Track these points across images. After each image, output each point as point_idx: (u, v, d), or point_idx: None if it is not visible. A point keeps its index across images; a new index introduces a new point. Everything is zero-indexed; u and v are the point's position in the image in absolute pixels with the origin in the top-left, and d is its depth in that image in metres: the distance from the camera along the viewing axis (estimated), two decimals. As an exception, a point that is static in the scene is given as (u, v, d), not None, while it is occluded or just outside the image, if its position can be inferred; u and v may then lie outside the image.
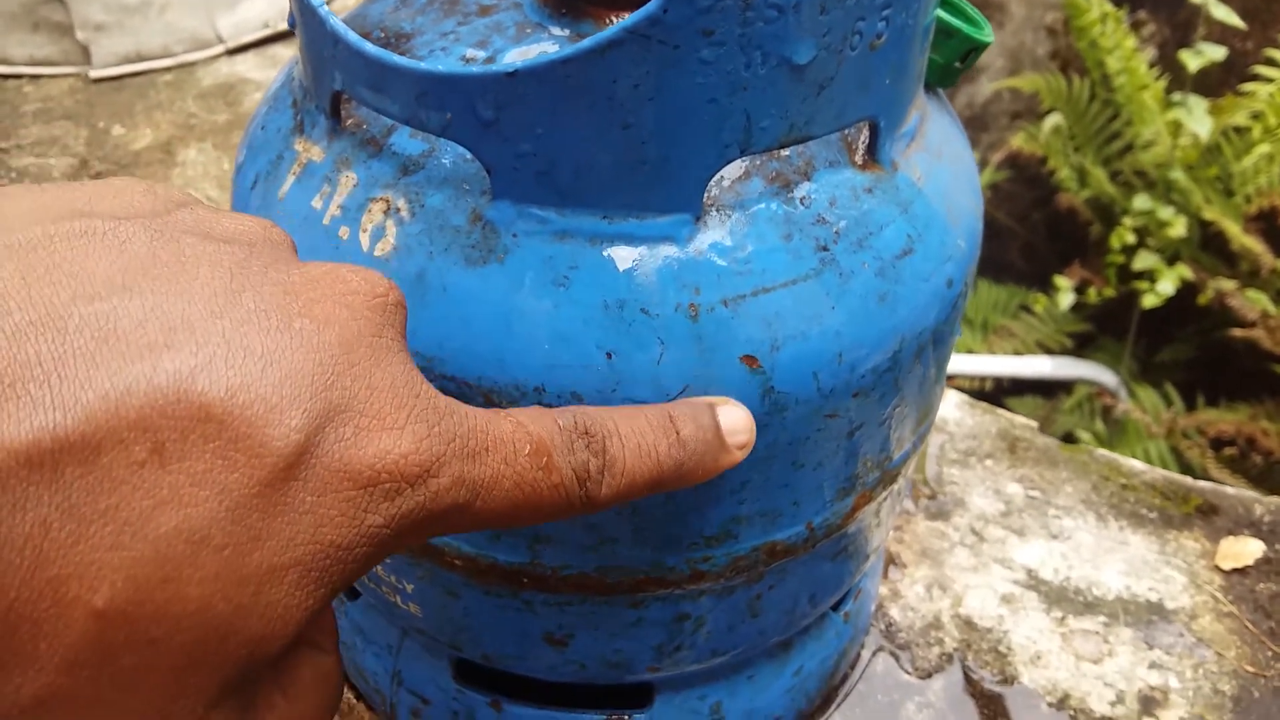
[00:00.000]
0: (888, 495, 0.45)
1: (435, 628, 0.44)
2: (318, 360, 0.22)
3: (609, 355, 0.33)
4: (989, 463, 0.70)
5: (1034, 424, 0.72)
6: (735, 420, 0.33)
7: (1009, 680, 0.57)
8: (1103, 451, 0.71)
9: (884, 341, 0.36)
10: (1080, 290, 2.03)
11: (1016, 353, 2.04)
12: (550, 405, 0.34)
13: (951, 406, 0.74)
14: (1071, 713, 0.56)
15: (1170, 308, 1.95)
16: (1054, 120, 2.12)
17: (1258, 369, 1.91)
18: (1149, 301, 1.89)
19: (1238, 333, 1.89)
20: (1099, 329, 2.09)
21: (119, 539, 0.19)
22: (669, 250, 0.34)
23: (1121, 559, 0.64)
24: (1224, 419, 1.84)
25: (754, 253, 0.34)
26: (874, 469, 0.41)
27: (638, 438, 0.29)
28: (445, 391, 0.34)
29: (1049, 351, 2.06)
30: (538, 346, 0.33)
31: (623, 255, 0.33)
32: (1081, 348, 2.10)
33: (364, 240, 0.35)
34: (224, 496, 0.20)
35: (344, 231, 0.35)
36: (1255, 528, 0.66)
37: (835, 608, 0.52)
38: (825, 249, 0.35)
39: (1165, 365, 2.06)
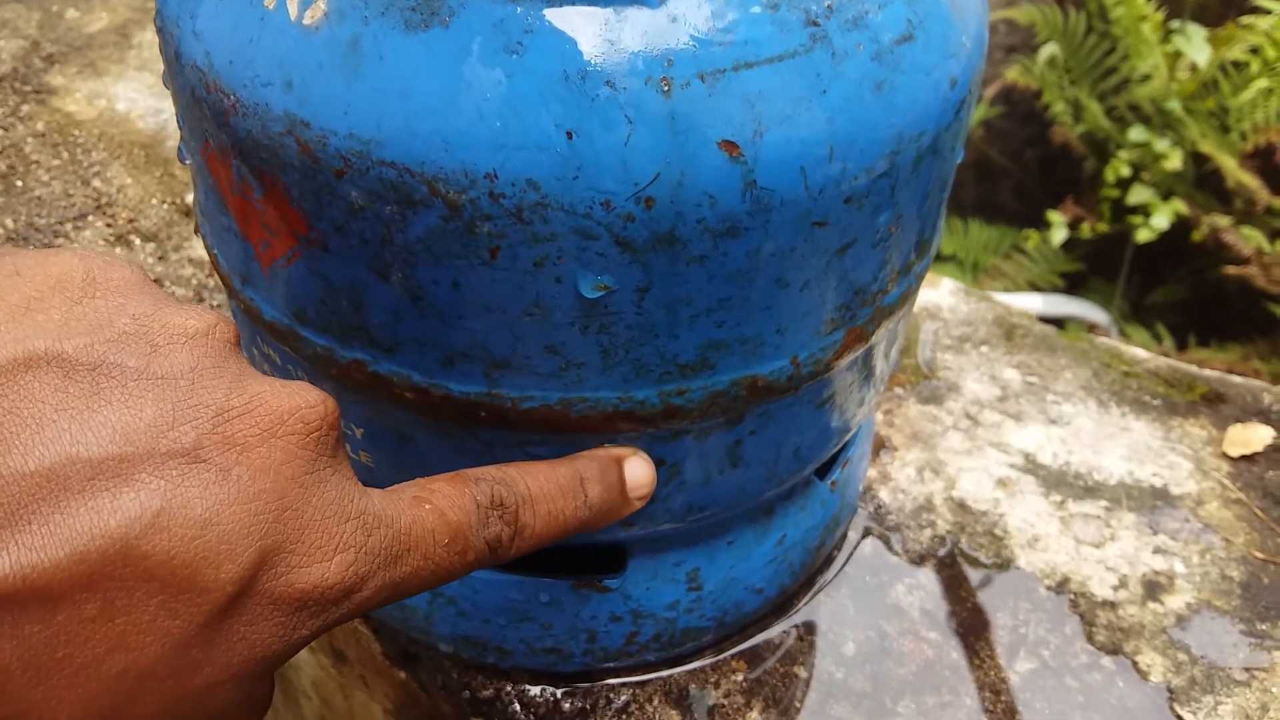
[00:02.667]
0: (878, 342, 0.42)
1: (389, 479, 0.40)
2: (253, 510, 0.24)
3: (569, 135, 0.29)
4: (984, 349, 0.66)
5: (1032, 312, 0.69)
6: (639, 475, 0.36)
7: (1005, 563, 0.54)
8: (1104, 340, 0.67)
9: (880, 138, 0.33)
10: (1073, 227, 1.99)
11: (1007, 291, 2.00)
12: (503, 194, 0.30)
13: (945, 293, 0.70)
14: (1072, 596, 0.52)
15: (1162, 247, 1.92)
16: (1049, 51, 2.07)
17: (1250, 310, 1.88)
18: (1143, 236, 1.86)
19: (1231, 270, 1.86)
20: (1090, 269, 2.06)
21: (74, 679, 0.22)
22: (638, 14, 0.30)
23: (1124, 445, 0.60)
24: (1216, 358, 1.82)
25: (735, 22, 0.30)
26: (866, 301, 0.38)
27: (548, 503, 0.32)
28: (384, 181, 0.30)
29: (1040, 291, 2.02)
30: (488, 124, 0.29)
31: (585, 18, 0.29)
32: (1073, 288, 2.07)
33: (292, 8, 0.31)
34: (166, 639, 0.23)
35: (269, 0, 0.31)
36: (1264, 415, 0.63)
37: (822, 476, 0.48)
38: (816, 24, 0.31)
39: (1157, 306, 2.03)
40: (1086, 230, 1.94)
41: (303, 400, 0.26)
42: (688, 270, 0.32)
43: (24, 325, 0.24)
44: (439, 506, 0.29)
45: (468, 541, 0.30)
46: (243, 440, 0.25)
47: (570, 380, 0.35)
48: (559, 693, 0.47)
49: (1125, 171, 1.91)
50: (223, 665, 0.24)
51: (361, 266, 0.33)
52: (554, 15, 0.29)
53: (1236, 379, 0.65)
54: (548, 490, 0.33)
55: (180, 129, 0.38)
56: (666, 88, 0.29)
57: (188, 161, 0.39)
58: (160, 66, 0.85)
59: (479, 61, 0.29)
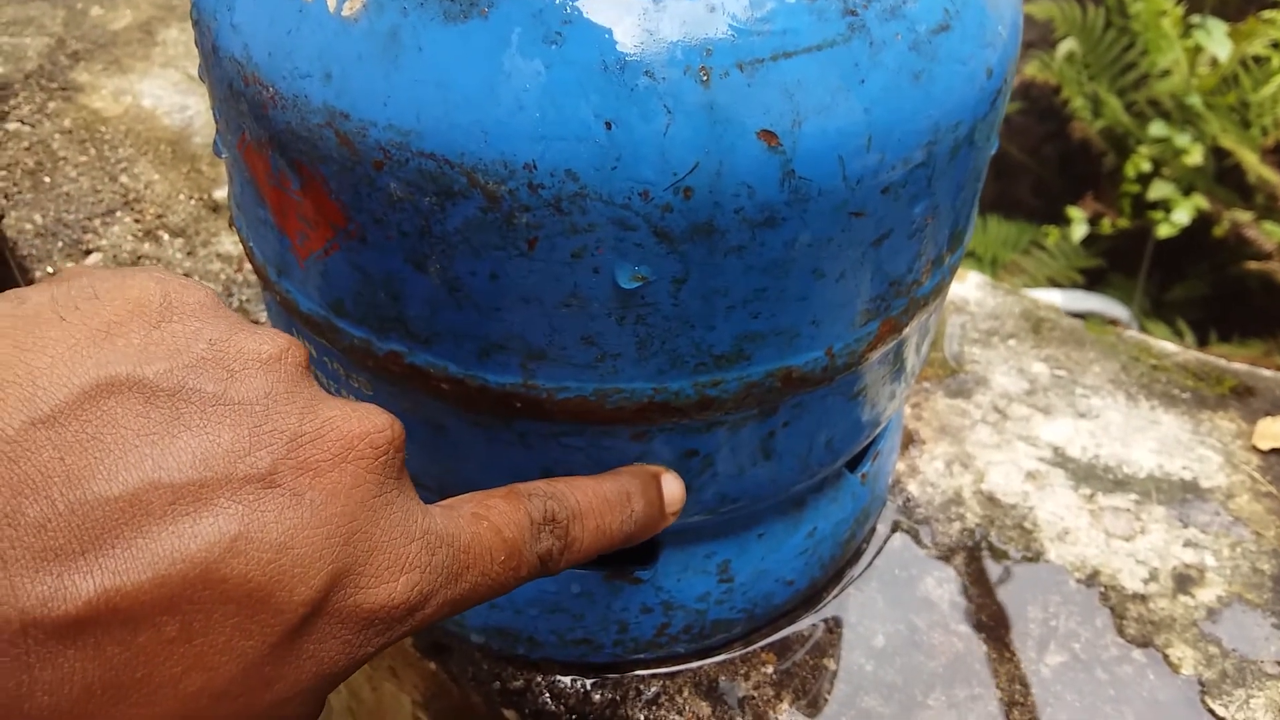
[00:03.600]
0: (911, 334, 0.41)
1: (422, 469, 0.41)
2: (325, 534, 0.25)
3: (608, 125, 0.29)
4: (1012, 342, 0.66)
5: (1059, 305, 0.68)
6: (675, 491, 0.38)
7: (1035, 556, 0.54)
8: (1132, 333, 0.67)
9: (917, 128, 0.33)
10: (1093, 222, 1.98)
11: (1026, 287, 1.99)
12: (541, 185, 0.30)
13: (972, 287, 0.70)
14: (1102, 589, 0.52)
15: (1183, 242, 1.91)
16: (1068, 46, 2.06)
17: (1271, 306, 1.87)
18: (1164, 231, 1.85)
19: (1253, 265, 1.85)
20: (1110, 265, 2.05)
21: (152, 697, 0.22)
22: (676, 4, 0.30)
23: (1153, 438, 0.60)
24: (1237, 354, 1.80)
25: (774, 11, 0.30)
26: (900, 292, 0.38)
27: (596, 519, 0.33)
28: (424, 173, 0.30)
29: (1060, 287, 2.01)
30: (526, 114, 0.29)
31: (623, 8, 0.29)
32: (1093, 285, 2.06)
33: (330, 0, 0.31)
34: (241, 659, 0.24)
35: (309, -9, 0.31)
36: (1294, 409, 0.62)
37: (852, 468, 0.48)
38: (854, 13, 0.31)
39: (1177, 303, 2.02)
40: (1107, 226, 1.93)
41: (371, 424, 0.27)
42: (725, 261, 0.32)
43: (105, 350, 0.24)
44: (496, 524, 0.30)
45: (522, 557, 0.31)
46: (315, 465, 0.25)
47: (606, 371, 0.35)
48: (589, 683, 0.47)
49: (1146, 167, 1.90)
50: (292, 682, 0.25)
51: (399, 258, 0.33)
52: (592, 5, 0.29)
53: (1266, 372, 0.65)
54: (596, 505, 0.34)
55: (216, 122, 0.38)
56: (705, 77, 0.29)
57: (224, 155, 0.39)
58: (186, 63, 0.86)
59: (518, 52, 0.29)
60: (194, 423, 0.24)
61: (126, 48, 0.86)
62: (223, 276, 0.66)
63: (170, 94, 0.82)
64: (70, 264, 0.66)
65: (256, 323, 0.28)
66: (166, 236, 0.69)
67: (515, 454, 0.38)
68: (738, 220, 0.31)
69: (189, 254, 0.68)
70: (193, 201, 0.72)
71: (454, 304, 0.33)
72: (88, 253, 0.67)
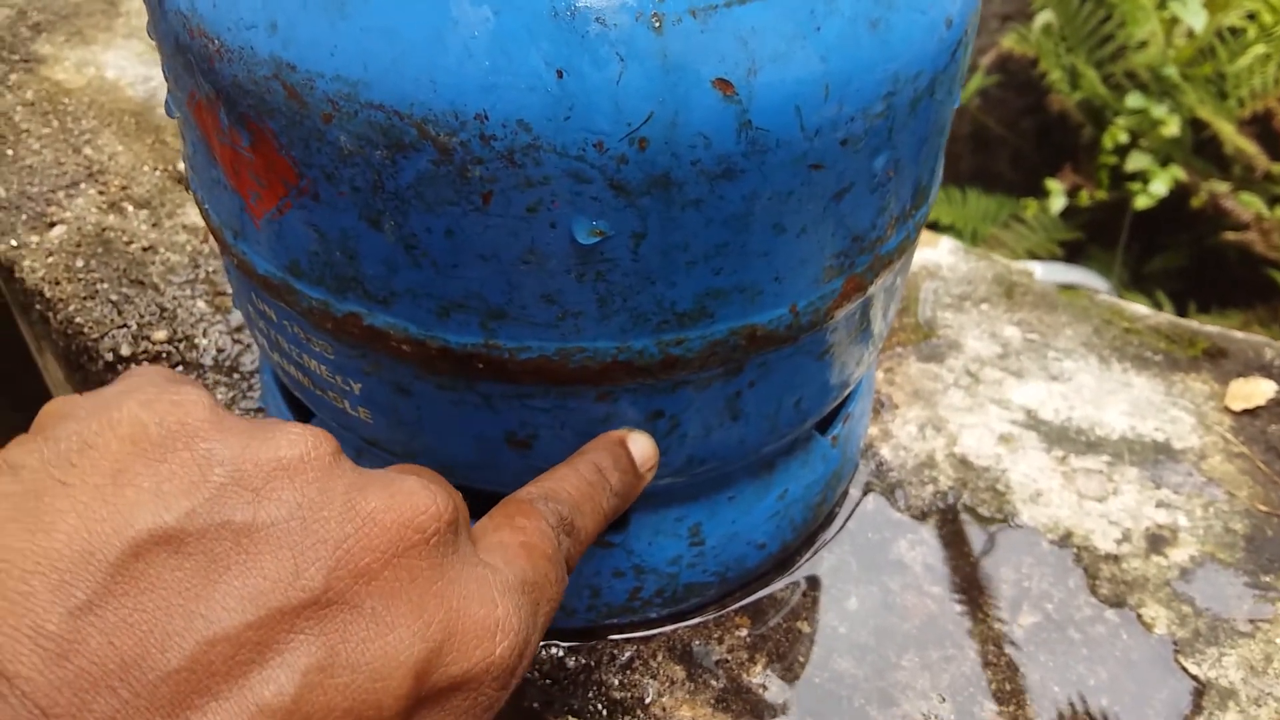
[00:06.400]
0: (877, 294, 0.41)
1: (388, 436, 0.40)
2: (397, 638, 0.24)
3: (560, 73, 0.29)
4: (985, 306, 0.66)
5: (1031, 270, 0.68)
6: (644, 449, 0.37)
7: (1007, 518, 0.54)
8: (1104, 297, 0.67)
9: (876, 78, 0.32)
10: (1072, 195, 1.98)
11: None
12: (494, 136, 0.29)
13: (945, 252, 0.70)
14: (1075, 550, 0.52)
15: (1161, 214, 1.91)
16: (1045, 19, 2.05)
17: (1249, 276, 1.88)
18: (1141, 203, 1.85)
19: (1231, 236, 1.85)
20: (1089, 238, 2.05)
21: None
22: (629, -51, 0.29)
23: (1125, 400, 0.60)
24: (1215, 324, 1.81)
25: (728, -43, 0.30)
26: (864, 249, 0.37)
27: (591, 503, 0.34)
28: (373, 125, 0.30)
29: (1039, 260, 2.02)
30: (476, 63, 0.29)
31: (575, -47, 0.29)
32: (1072, 257, 2.06)
33: (276, -52, 0.30)
34: None
35: (252, -59, 0.31)
36: (1266, 370, 0.62)
37: (823, 431, 0.48)
38: (810, -41, 0.31)
39: (1156, 274, 2.03)
40: (1085, 198, 1.94)
41: (413, 508, 0.26)
42: (684, 215, 0.32)
43: (118, 507, 0.23)
44: (541, 548, 0.30)
45: (562, 568, 0.31)
46: (366, 569, 0.24)
47: (568, 330, 0.34)
48: (563, 649, 0.47)
49: (1123, 138, 1.90)
50: None
51: (353, 215, 0.32)
52: (543, -50, 0.29)
53: (1238, 334, 0.65)
54: (584, 490, 0.34)
55: (166, 80, 0.37)
56: (658, 24, 0.29)
57: (175, 115, 0.38)
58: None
59: (467, -1, 0.29)
60: (233, 561, 0.23)
61: (89, 19, 0.85)
62: (189, 248, 0.65)
63: (134, 65, 0.81)
64: (34, 237, 0.65)
65: (261, 417, 0.27)
66: (131, 208, 0.68)
67: (481, 417, 0.38)
68: (695, 172, 0.31)
69: (154, 225, 0.67)
70: (158, 173, 0.71)
71: (411, 262, 0.33)
72: (51, 225, 0.66)
